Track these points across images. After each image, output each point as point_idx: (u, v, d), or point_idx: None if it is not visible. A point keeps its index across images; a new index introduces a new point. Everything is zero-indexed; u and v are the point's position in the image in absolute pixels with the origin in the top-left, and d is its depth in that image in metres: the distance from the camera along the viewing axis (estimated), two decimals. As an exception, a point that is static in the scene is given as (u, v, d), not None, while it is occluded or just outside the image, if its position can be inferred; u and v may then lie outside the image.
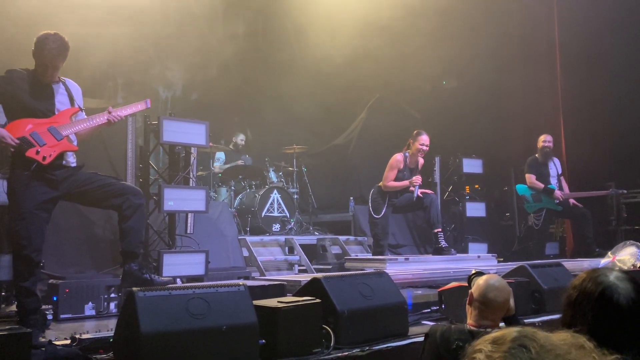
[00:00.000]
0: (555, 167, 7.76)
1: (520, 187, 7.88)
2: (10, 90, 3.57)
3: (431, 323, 4.01)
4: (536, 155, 7.78)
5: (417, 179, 6.61)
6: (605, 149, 8.30)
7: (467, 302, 2.63)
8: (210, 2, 9.09)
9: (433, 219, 6.53)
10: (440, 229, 6.59)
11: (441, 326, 2.53)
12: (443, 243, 6.49)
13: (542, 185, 7.55)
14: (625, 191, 7.59)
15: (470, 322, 2.55)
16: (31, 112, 3.58)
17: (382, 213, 6.42)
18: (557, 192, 7.49)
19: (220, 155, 8.96)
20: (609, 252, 6.29)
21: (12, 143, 3.43)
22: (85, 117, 3.85)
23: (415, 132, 6.86)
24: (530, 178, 7.66)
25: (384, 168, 6.85)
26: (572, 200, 7.66)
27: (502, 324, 2.58)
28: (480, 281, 2.61)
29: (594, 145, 8.28)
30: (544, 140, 7.72)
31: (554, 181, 7.66)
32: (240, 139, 9.41)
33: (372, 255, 6.82)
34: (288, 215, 8.01)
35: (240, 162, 8.86)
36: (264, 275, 6.22)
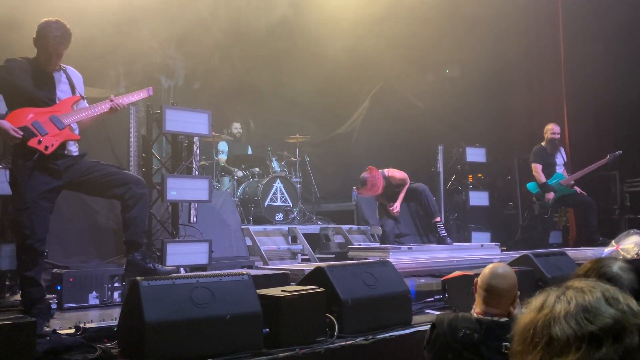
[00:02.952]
0: (561, 157, 7.70)
1: (531, 186, 7.77)
2: (10, 80, 3.54)
3: (435, 312, 4.01)
4: (542, 144, 7.67)
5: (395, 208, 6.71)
6: (609, 137, 8.25)
7: (474, 290, 2.63)
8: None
9: (431, 208, 6.62)
10: (438, 218, 6.65)
11: (447, 315, 2.53)
12: (442, 232, 6.55)
13: (543, 180, 7.49)
14: (620, 152, 7.46)
15: (477, 310, 2.54)
16: (32, 102, 3.55)
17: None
18: (550, 195, 7.43)
19: (223, 147, 8.88)
20: (613, 241, 6.27)
21: (15, 135, 3.41)
22: (87, 105, 3.83)
23: None
24: (537, 168, 7.56)
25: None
26: (577, 189, 7.58)
27: None
28: (486, 270, 2.60)
29: (598, 134, 8.24)
30: (553, 131, 7.58)
31: (560, 170, 7.61)
32: (235, 127, 9.25)
33: (380, 243, 6.84)
34: (291, 204, 8.01)
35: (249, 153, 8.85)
36: (267, 265, 6.23)
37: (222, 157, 8.59)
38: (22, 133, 3.43)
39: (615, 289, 1.04)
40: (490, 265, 2.65)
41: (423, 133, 9.30)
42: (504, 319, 2.43)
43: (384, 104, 9.92)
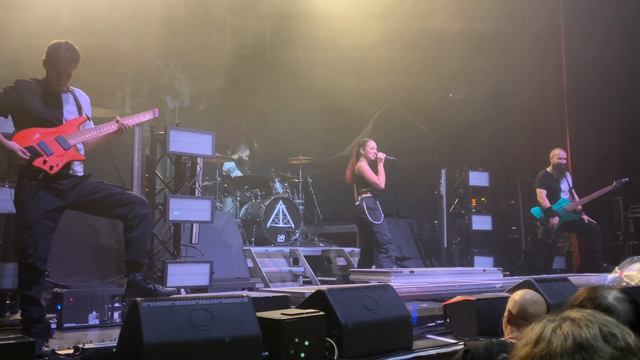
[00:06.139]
0: (567, 182, 7.68)
1: (535, 210, 7.76)
2: (19, 100, 3.58)
3: (436, 337, 3.98)
4: (547, 169, 7.65)
5: (381, 154, 6.62)
6: (612, 162, 8.25)
7: (506, 321, 2.67)
8: (218, 13, 9.17)
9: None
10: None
11: (480, 341, 2.53)
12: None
13: (547, 205, 7.47)
14: (627, 179, 7.41)
15: (511, 336, 2.57)
16: (40, 122, 3.59)
17: (382, 218, 6.48)
18: (555, 220, 7.41)
19: (231, 165, 8.98)
20: (617, 268, 6.22)
21: (23, 157, 3.44)
22: (93, 126, 3.87)
23: (361, 141, 6.79)
24: (541, 193, 7.55)
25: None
26: (586, 217, 7.56)
27: None
28: (515, 297, 2.62)
29: (601, 159, 8.24)
30: (559, 156, 7.56)
31: (565, 196, 7.58)
32: (246, 154, 9.41)
33: (376, 266, 6.76)
34: (293, 226, 8.01)
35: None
36: (268, 287, 6.21)
37: (237, 174, 8.72)
38: (29, 154, 3.46)
39: (613, 321, 1.03)
40: (519, 293, 2.69)
41: (426, 156, 9.33)
42: None
43: (387, 127, 9.96)
